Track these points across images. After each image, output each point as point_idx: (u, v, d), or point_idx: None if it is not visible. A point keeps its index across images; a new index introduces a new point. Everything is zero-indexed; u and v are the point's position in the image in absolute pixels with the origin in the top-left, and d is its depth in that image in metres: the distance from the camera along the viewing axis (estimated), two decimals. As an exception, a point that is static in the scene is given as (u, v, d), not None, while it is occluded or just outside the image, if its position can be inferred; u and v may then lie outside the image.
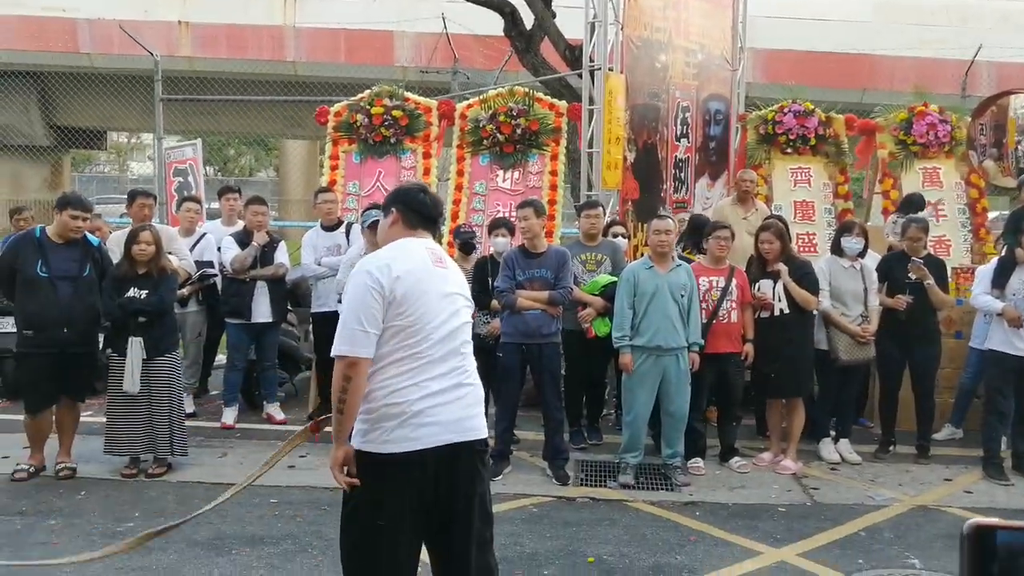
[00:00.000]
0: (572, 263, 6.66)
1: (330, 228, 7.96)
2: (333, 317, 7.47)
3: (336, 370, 3.10)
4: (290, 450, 3.59)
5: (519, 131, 8.75)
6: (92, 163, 44.71)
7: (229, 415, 7.58)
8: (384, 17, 18.97)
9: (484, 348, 6.31)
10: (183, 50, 19.99)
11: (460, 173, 8.92)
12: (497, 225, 7.14)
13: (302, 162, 26.13)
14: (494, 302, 6.64)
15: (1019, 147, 8.83)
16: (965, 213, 9.32)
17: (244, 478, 3.71)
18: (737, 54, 10.49)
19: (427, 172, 9.01)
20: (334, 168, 9.11)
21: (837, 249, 6.98)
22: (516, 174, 8.85)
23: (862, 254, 6.91)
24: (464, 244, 7.44)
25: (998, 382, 6.58)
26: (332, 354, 3.13)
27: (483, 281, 6.88)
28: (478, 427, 3.22)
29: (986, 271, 6.75)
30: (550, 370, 6.43)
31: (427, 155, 9.07)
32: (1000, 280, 6.50)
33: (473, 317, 3.43)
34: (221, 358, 8.97)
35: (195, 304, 7.90)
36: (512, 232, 7.12)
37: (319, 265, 7.75)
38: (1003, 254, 6.72)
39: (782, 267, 6.65)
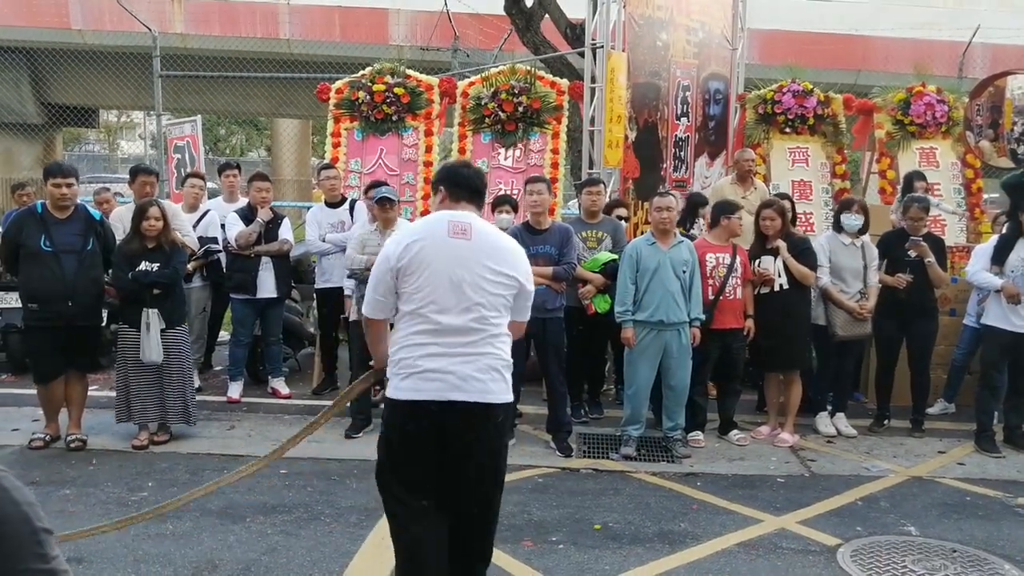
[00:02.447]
0: (574, 239, 6.74)
1: (334, 205, 8.02)
2: (336, 293, 7.65)
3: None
4: (326, 421, 3.95)
5: (521, 109, 8.81)
6: (82, 142, 44.43)
7: (235, 389, 7.66)
8: (380, -6, 18.94)
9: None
10: (176, 27, 19.87)
11: (462, 151, 8.98)
12: (501, 202, 7.20)
13: (294, 142, 26.04)
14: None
15: (1015, 128, 8.93)
16: (961, 193, 9.45)
17: (283, 441, 3.94)
18: (737, 33, 10.54)
19: (429, 149, 9.06)
20: (336, 145, 9.15)
21: (837, 226, 7.08)
22: (518, 152, 8.92)
23: (863, 231, 7.01)
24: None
25: (993, 357, 6.71)
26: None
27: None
28: (491, 390, 3.33)
29: (984, 249, 6.86)
30: (554, 344, 6.54)
31: (428, 132, 9.12)
32: (1000, 256, 6.61)
33: None
34: (224, 335, 9.05)
35: (199, 280, 7.95)
36: (515, 209, 7.19)
37: (323, 242, 7.82)
38: (1004, 231, 6.83)
39: (781, 244, 6.75)
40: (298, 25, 20.36)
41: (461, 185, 3.53)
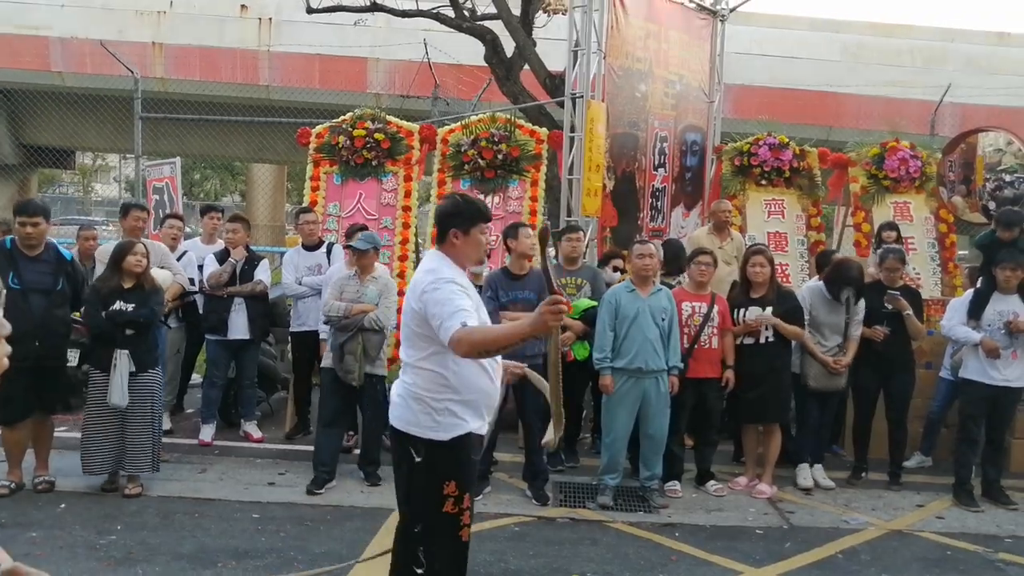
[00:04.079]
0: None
1: (311, 248, 7.98)
2: (311, 337, 7.58)
3: None
4: None
5: (500, 157, 8.85)
6: (56, 183, 44.17)
7: (207, 432, 7.52)
8: (361, 43, 19.06)
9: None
10: (157, 71, 19.89)
11: (441, 197, 8.98)
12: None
13: (269, 187, 26.00)
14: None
15: (987, 184, 9.08)
16: (935, 247, 9.56)
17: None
18: (715, 87, 10.70)
19: (408, 195, 9.06)
20: (315, 189, 9.11)
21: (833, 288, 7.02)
22: (497, 199, 8.93)
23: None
24: None
25: (971, 410, 6.72)
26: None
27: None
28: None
29: (959, 303, 6.91)
30: (533, 391, 6.46)
31: (408, 178, 9.12)
32: (976, 311, 6.67)
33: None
34: (197, 377, 8.92)
35: (175, 321, 7.86)
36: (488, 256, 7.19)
37: (300, 284, 7.76)
38: (979, 286, 6.89)
39: (768, 318, 6.72)
40: (278, 71, 20.44)
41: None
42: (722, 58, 10.80)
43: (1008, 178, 9.21)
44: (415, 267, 8.76)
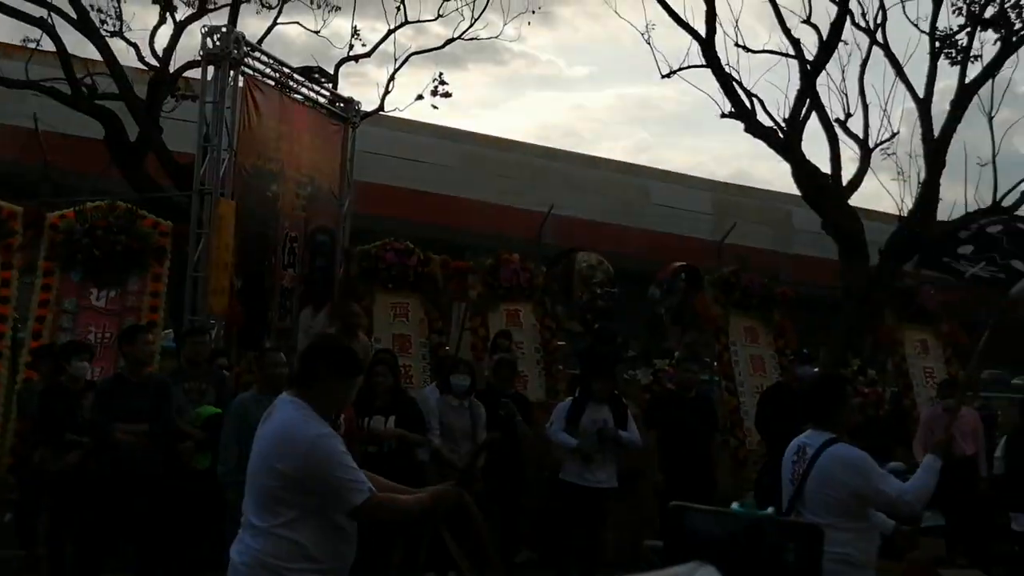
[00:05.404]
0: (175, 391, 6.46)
1: None
2: None
3: None
4: None
5: (119, 248, 8.32)
6: None
7: None
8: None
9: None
10: None
11: (47, 288, 8.20)
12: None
13: None
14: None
15: (583, 297, 10.20)
16: (540, 352, 10.48)
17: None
18: (345, 188, 10.99)
19: (6, 285, 8.15)
20: None
21: (445, 386, 7.39)
22: (113, 293, 8.36)
23: (470, 391, 7.40)
24: None
25: (570, 512, 7.35)
26: None
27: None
28: None
29: (562, 408, 7.60)
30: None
31: (7, 266, 8.20)
32: (574, 417, 7.37)
33: None
34: None
35: None
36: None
37: None
38: (576, 394, 7.64)
39: (390, 431, 6.87)
40: None
41: None
42: (353, 162, 11.15)
43: (599, 291, 10.44)
44: (11, 366, 7.90)
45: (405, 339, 9.98)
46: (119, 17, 12.36)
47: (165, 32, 12.32)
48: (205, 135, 8.66)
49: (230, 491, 6.10)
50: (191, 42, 15.88)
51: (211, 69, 8.82)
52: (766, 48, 14.14)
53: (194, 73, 10.80)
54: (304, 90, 10.37)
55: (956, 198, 16.50)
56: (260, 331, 8.96)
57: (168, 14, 12.29)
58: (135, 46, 12.30)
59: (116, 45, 11.97)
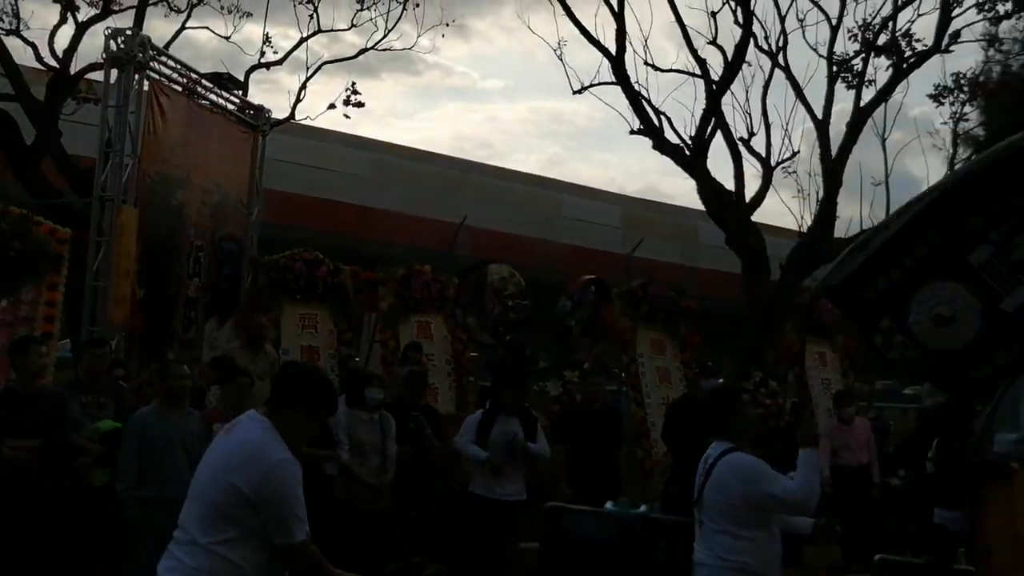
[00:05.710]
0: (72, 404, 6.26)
1: None
2: None
3: None
4: None
5: (12, 255, 7.99)
6: None
7: None
8: None
9: None
10: None
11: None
12: None
13: None
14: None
15: (495, 309, 10.24)
16: (451, 364, 10.47)
17: None
18: (254, 197, 10.81)
19: None
20: None
21: (357, 400, 7.27)
22: (5, 302, 8.02)
23: (381, 404, 7.28)
24: None
25: (478, 524, 7.34)
26: None
27: None
28: None
29: (472, 420, 7.60)
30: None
31: None
32: (484, 429, 7.38)
33: None
34: None
35: None
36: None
37: None
38: (487, 406, 7.67)
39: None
40: None
41: None
42: (262, 170, 10.98)
43: (511, 303, 10.50)
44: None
45: (314, 351, 9.85)
46: (16, 15, 11.93)
47: (66, 32, 11.95)
48: (107, 140, 8.42)
49: (129, 507, 5.97)
50: (94, 43, 15.38)
51: (114, 72, 8.58)
52: (674, 67, 14.48)
53: (97, 75, 10.52)
54: (213, 96, 10.18)
55: (852, 215, 17.23)
56: (163, 341, 8.72)
57: (70, 14, 11.90)
58: (33, 45, 11.88)
59: (12, 43, 11.57)
